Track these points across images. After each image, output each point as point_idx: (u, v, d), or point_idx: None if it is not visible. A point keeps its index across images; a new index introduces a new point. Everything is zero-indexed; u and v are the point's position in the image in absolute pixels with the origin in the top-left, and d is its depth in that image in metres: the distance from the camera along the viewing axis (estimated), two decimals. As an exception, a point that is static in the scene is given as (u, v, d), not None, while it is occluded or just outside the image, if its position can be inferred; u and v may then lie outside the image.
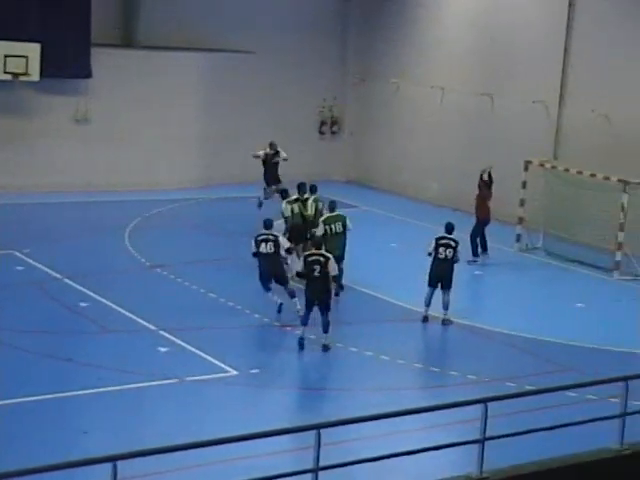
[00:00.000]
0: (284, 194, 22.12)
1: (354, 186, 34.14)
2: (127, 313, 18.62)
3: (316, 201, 21.42)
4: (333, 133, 34.96)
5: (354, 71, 34.51)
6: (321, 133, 34.81)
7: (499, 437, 9.95)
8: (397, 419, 10.35)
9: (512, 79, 29.38)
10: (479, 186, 25.07)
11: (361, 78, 34.38)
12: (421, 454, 10.22)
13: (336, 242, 20.03)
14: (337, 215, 20.60)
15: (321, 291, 17.06)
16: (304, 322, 17.18)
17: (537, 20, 28.88)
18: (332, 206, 20.69)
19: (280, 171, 31.14)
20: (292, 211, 21.24)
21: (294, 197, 21.65)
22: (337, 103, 34.74)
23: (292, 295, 18.57)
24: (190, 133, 31.52)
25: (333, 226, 20.26)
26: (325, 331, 17.09)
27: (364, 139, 34.59)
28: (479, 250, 24.24)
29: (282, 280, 18.77)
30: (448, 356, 17.88)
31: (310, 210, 21.12)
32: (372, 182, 34.04)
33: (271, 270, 18.61)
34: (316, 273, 16.97)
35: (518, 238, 25.93)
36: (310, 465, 8.77)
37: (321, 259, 17.08)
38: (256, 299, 19.89)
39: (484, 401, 9.64)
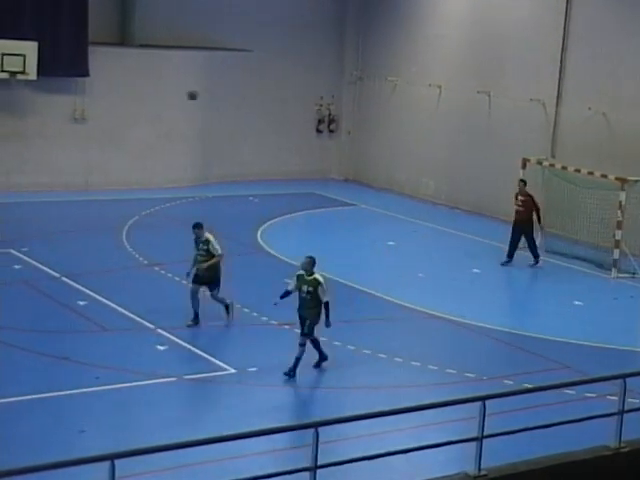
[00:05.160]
0: None
1: (352, 184, 34.16)
2: (125, 311, 18.61)
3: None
4: (331, 131, 34.95)
5: (352, 69, 34.50)
6: (319, 131, 34.80)
7: (497, 435, 9.94)
8: (395, 417, 10.34)
9: (509, 77, 29.38)
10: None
11: (359, 76, 34.38)
12: (419, 452, 10.21)
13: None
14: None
15: None
16: None
17: (534, 18, 28.88)
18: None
19: (276, 168, 31.27)
20: None
21: None
22: (335, 101, 34.73)
23: None
24: (187, 132, 31.50)
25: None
26: None
27: (361, 137, 34.59)
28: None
29: None
30: (446, 354, 17.86)
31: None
32: (369, 180, 34.04)
33: None
34: None
35: (516, 236, 25.90)
36: (308, 463, 8.76)
37: None
38: (254, 297, 19.90)
39: (482, 399, 9.63)
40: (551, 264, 24.72)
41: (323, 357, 16.36)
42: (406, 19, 32.70)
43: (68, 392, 14.89)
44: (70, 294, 19.51)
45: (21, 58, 27.55)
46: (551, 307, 21.28)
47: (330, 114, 34.82)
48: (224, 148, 32.29)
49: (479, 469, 9.63)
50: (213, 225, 26.54)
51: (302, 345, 15.89)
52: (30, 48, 27.67)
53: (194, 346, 16.96)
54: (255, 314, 19.02)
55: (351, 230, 27.44)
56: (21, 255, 21.90)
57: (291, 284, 16.14)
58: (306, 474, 8.82)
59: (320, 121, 34.74)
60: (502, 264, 24.00)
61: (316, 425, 8.76)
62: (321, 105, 34.61)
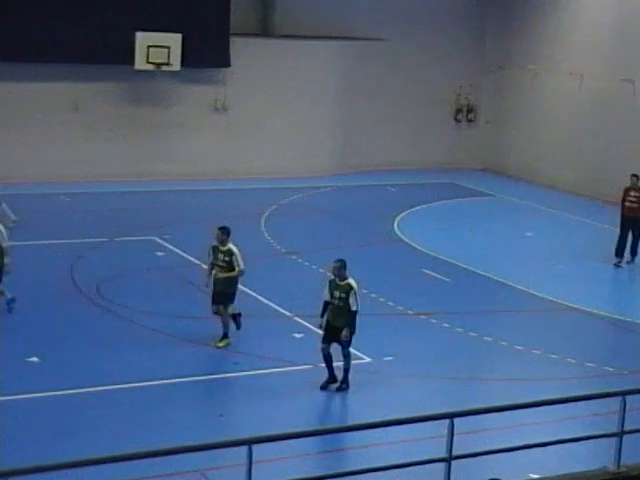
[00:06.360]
0: None
1: (490, 174, 33.82)
2: (263, 299, 18.87)
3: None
4: (469, 121, 34.65)
5: (491, 57, 34.10)
6: (457, 121, 34.55)
7: (638, 431, 9.74)
8: (531, 410, 10.24)
9: (655, 65, 28.58)
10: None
11: (498, 65, 33.95)
12: (558, 446, 10.08)
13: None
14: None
15: None
16: None
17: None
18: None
19: (414, 158, 30.90)
20: None
21: None
22: (473, 90, 34.41)
23: None
24: (324, 121, 31.69)
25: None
26: None
27: (500, 127, 34.17)
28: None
29: None
30: (586, 347, 17.53)
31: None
32: (508, 170, 33.62)
33: None
34: None
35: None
36: (442, 454, 8.75)
37: None
38: (391, 287, 19.94)
39: (623, 394, 9.45)
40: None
41: (332, 379, 14.88)
42: (547, 5, 32.12)
43: (208, 377, 15.23)
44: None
45: (166, 50, 28.22)
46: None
47: (469, 103, 34.51)
48: (362, 138, 32.37)
49: (619, 465, 9.45)
50: (350, 214, 26.71)
51: (347, 356, 14.78)
52: (174, 40, 28.30)
53: (330, 334, 17.05)
54: (391, 303, 19.05)
55: (488, 220, 27.18)
56: (164, 242, 22.45)
57: (325, 294, 14.86)
58: (441, 465, 8.82)
59: (459, 110, 34.47)
60: (615, 265, 22.51)
61: (452, 416, 8.74)
62: (459, 94, 34.34)
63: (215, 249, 16.40)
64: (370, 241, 23.93)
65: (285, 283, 20.17)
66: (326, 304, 14.80)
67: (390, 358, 16.20)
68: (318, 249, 22.76)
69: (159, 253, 21.72)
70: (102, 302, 18.19)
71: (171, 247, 22.07)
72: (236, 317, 16.65)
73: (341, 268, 14.75)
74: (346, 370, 14.84)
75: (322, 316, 14.84)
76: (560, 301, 19.81)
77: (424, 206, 28.21)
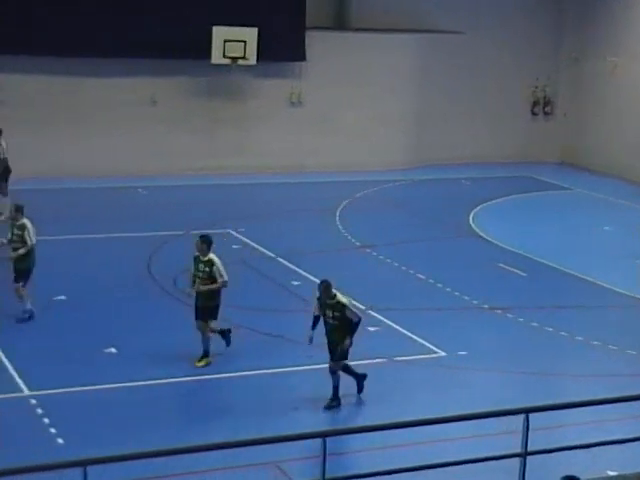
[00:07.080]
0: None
1: (568, 168, 33.42)
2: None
3: None
4: (546, 114, 34.27)
5: (569, 50, 33.65)
6: (534, 114, 34.19)
7: None
8: (607, 406, 10.14)
9: None
10: None
11: (576, 57, 33.50)
12: (635, 443, 9.97)
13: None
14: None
15: None
16: None
17: None
18: None
19: (490, 151, 30.54)
20: None
21: None
22: (550, 83, 34.02)
23: None
24: (399, 114, 31.59)
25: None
26: None
27: (578, 119, 33.73)
28: None
29: None
30: (664, 344, 17.27)
31: None
32: (586, 163, 33.17)
33: None
34: None
35: None
36: (516, 449, 8.71)
37: None
38: (466, 281, 19.85)
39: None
40: None
41: (360, 376, 14.37)
42: (627, -3, 31.65)
43: (282, 369, 15.32)
44: (285, 274, 20.00)
45: (242, 44, 28.41)
46: None
47: (545, 96, 34.13)
48: (437, 131, 32.22)
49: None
50: (423, 208, 26.65)
51: (334, 373, 14.04)
52: (250, 34, 28.46)
53: (405, 328, 17.06)
54: (466, 298, 18.97)
55: (566, 214, 26.88)
56: (239, 235, 22.62)
57: (315, 307, 14.22)
58: (515, 460, 8.78)
59: (535, 103, 34.10)
60: None
61: (527, 411, 8.70)
62: (536, 87, 33.97)
63: (196, 259, 15.37)
64: (445, 235, 23.85)
65: (360, 276, 20.16)
66: (316, 318, 14.17)
67: (464, 352, 16.14)
68: (393, 243, 22.76)
69: (234, 246, 21.87)
70: (179, 295, 18.39)
71: (246, 240, 22.23)
72: (225, 333, 15.67)
73: (327, 289, 13.96)
74: (335, 387, 14.07)
75: (312, 329, 14.18)
76: (638, 297, 19.53)
77: (500, 200, 28.00)
